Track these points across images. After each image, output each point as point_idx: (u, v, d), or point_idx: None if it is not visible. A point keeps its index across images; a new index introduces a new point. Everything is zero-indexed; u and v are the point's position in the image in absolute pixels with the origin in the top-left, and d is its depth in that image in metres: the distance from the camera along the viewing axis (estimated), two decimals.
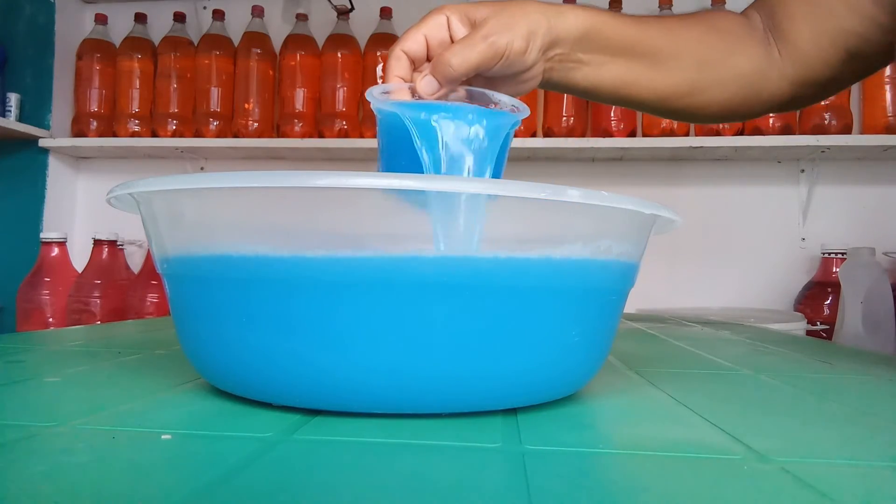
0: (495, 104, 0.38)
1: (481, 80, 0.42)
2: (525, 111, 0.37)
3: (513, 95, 0.40)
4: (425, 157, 0.32)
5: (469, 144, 0.33)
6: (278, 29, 1.55)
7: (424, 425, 0.26)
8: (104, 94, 1.54)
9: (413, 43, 0.40)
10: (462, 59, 0.38)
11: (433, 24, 0.40)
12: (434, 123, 0.32)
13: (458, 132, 0.32)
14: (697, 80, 0.48)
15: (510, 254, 0.25)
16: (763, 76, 0.49)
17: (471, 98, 0.39)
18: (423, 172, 0.32)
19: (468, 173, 0.33)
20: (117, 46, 1.55)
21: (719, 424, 0.27)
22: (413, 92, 0.39)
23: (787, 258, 1.42)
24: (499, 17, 0.39)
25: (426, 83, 0.38)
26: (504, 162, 0.36)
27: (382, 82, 0.39)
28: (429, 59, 0.41)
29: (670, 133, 1.33)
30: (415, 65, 0.41)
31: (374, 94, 0.36)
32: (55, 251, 1.35)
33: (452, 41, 0.40)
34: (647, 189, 1.46)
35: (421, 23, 0.40)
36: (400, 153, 0.34)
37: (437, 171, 0.32)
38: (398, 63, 0.40)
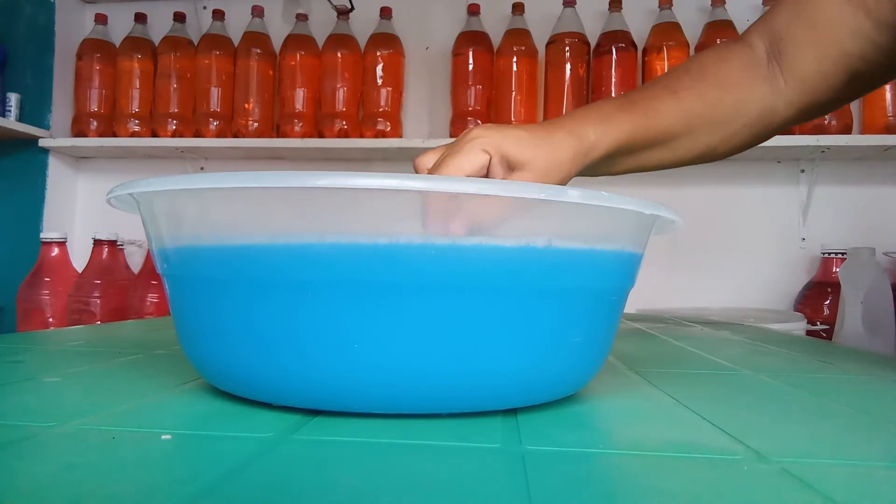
0: None
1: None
2: None
3: None
4: None
5: None
6: (278, 29, 1.55)
7: (424, 425, 0.26)
8: (104, 94, 1.54)
9: None
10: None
11: (474, 164, 0.38)
12: None
13: None
14: (709, 143, 0.49)
15: (510, 254, 0.25)
16: (772, 112, 0.50)
17: None
18: None
19: None
20: (117, 46, 1.55)
21: (719, 424, 0.27)
22: None
23: (786, 258, 1.42)
24: (535, 165, 0.39)
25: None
26: None
27: None
28: None
29: None
30: None
31: None
32: (55, 251, 1.35)
33: None
34: (647, 189, 1.46)
35: (461, 157, 0.37)
36: None
37: None
38: None
